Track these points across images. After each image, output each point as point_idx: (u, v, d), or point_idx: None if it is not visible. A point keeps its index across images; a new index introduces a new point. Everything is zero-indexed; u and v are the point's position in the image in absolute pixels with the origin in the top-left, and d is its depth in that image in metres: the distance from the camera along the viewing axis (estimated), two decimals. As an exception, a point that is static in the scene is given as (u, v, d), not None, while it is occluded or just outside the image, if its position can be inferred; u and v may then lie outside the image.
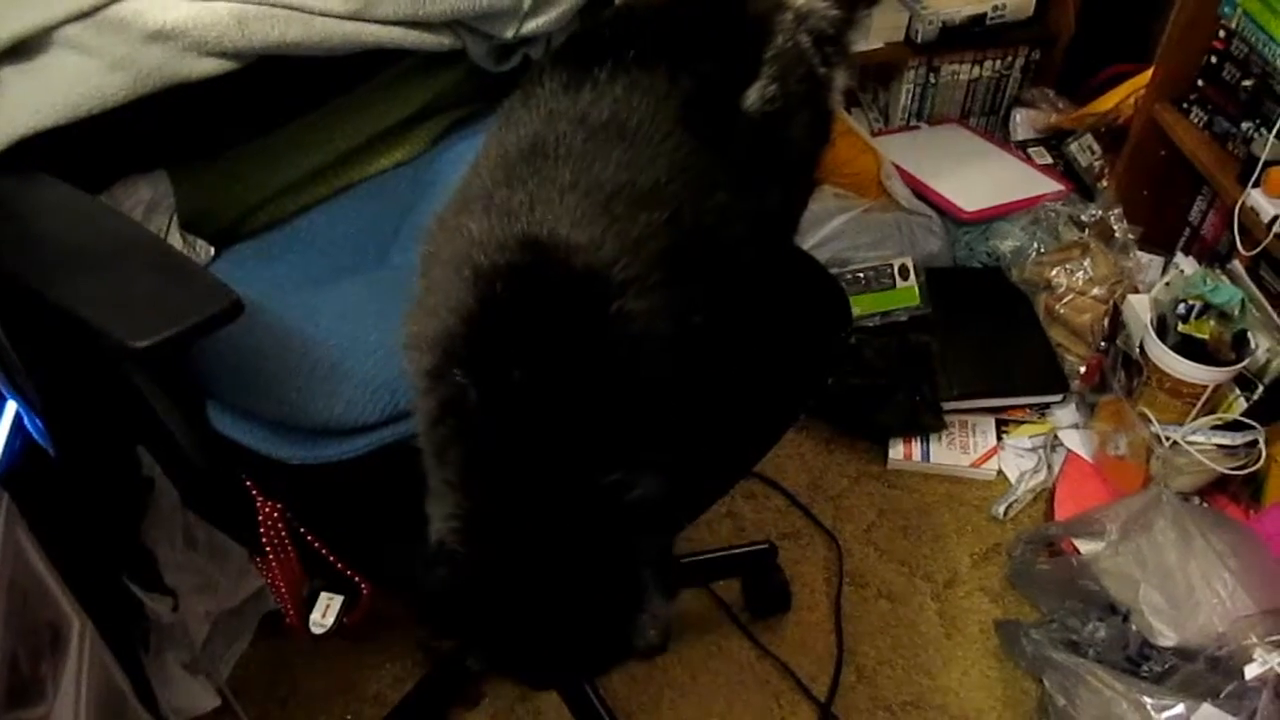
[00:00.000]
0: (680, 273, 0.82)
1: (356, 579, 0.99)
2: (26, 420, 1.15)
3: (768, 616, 1.62)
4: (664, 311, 0.79)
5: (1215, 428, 1.61)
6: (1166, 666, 1.39)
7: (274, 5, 0.99)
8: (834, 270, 1.47)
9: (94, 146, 0.97)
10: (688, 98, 0.90)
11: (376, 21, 1.06)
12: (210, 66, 0.99)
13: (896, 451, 1.85)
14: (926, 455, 1.84)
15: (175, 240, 1.07)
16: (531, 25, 1.18)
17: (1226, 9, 1.74)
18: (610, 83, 0.89)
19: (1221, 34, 1.77)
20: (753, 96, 0.95)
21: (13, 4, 0.92)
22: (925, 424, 1.85)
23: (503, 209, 0.80)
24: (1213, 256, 1.92)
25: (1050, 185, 2.20)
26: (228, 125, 1.10)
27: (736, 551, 1.66)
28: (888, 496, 1.81)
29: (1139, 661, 1.43)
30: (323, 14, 1.03)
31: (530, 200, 0.80)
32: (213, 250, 1.12)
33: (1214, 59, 1.80)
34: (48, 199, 0.89)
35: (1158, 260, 2.02)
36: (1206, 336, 1.60)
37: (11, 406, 1.19)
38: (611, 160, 0.84)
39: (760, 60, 0.96)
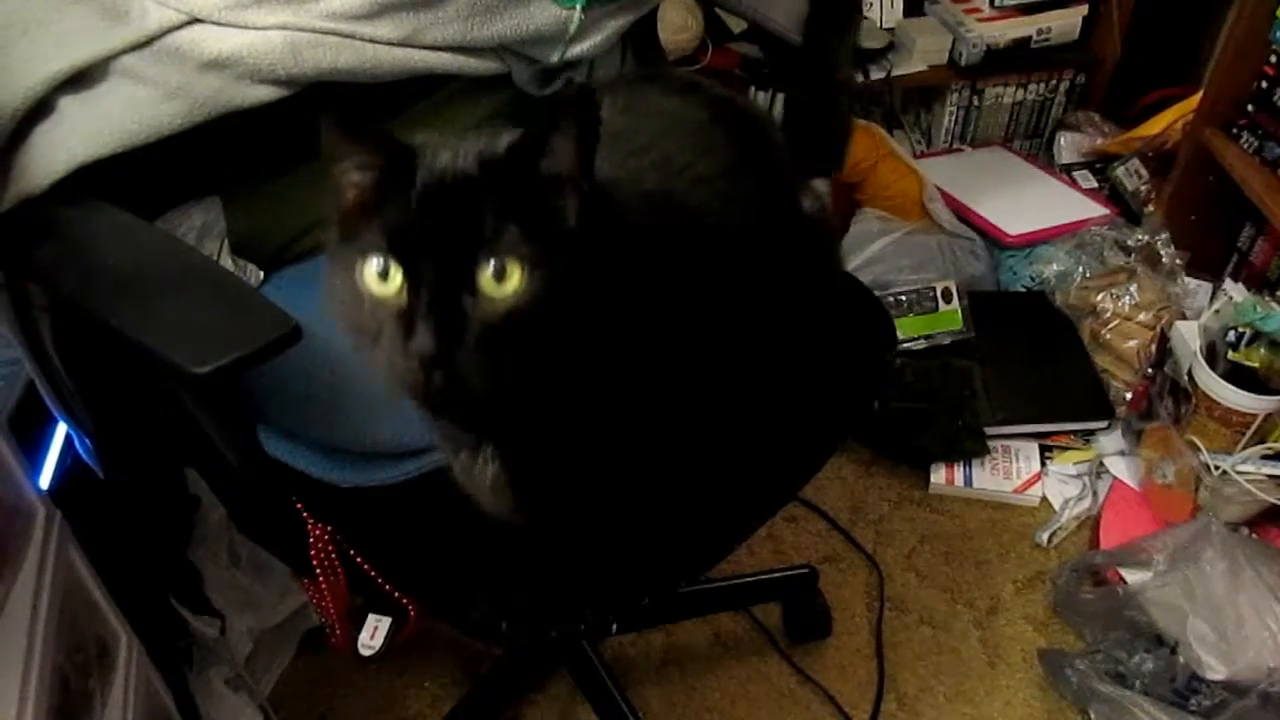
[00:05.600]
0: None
1: (404, 601, 0.99)
2: (77, 441, 1.17)
3: (808, 641, 1.61)
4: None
5: (1265, 457, 1.58)
6: (1216, 701, 1.37)
7: (326, 33, 1.00)
8: (876, 293, 1.47)
9: (150, 173, 0.98)
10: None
11: (425, 47, 1.07)
12: (264, 94, 1.00)
13: (938, 476, 1.83)
14: (969, 480, 1.82)
15: (226, 264, 1.08)
16: (576, 50, 1.18)
17: (1279, 33, 1.72)
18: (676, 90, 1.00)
19: (1273, 59, 1.75)
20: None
21: (72, 34, 0.94)
22: (967, 449, 1.84)
23: None
24: (1262, 283, 1.90)
25: (1095, 209, 2.18)
26: (278, 150, 1.11)
27: (777, 575, 1.65)
28: (929, 522, 1.79)
29: (1187, 695, 1.40)
30: (373, 40, 1.03)
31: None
32: (262, 274, 1.13)
33: (1265, 84, 1.78)
34: (106, 225, 0.90)
35: (1205, 286, 2.00)
36: (1257, 365, 1.58)
37: (62, 428, 1.21)
38: (685, 145, 0.92)
39: None
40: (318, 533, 0.95)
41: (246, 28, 0.97)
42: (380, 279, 0.67)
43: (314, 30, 0.99)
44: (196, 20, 0.96)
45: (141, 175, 0.97)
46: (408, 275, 0.67)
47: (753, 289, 0.94)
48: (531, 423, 0.79)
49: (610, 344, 0.75)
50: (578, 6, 1.12)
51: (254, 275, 1.12)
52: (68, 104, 0.94)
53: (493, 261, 0.66)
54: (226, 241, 1.09)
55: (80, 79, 0.94)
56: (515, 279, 0.67)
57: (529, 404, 0.75)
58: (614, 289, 0.73)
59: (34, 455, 1.18)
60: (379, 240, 0.67)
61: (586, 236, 0.71)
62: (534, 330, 0.69)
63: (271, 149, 1.09)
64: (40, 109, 0.92)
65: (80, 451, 1.18)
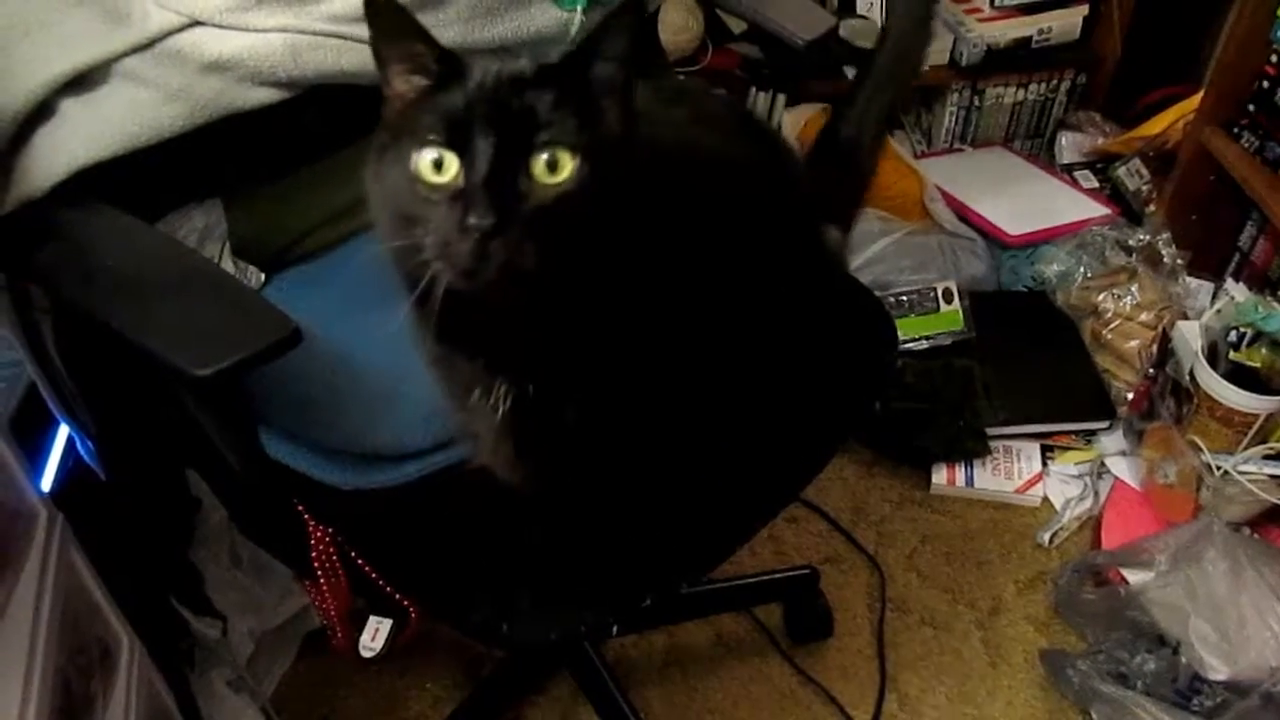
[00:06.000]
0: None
1: (405, 603, 0.99)
2: (78, 443, 1.17)
3: (809, 642, 1.61)
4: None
5: (1267, 457, 1.58)
6: (1218, 701, 1.37)
7: (327, 35, 1.00)
8: (877, 293, 1.47)
9: (151, 176, 0.99)
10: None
11: (428, 49, 1.08)
12: (264, 96, 1.00)
13: (939, 477, 1.83)
14: (970, 481, 1.82)
15: (227, 266, 1.08)
16: (577, 52, 1.19)
17: None
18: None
19: (1274, 58, 1.75)
20: None
21: (73, 37, 0.94)
22: (969, 449, 1.83)
23: None
24: (1264, 283, 1.90)
25: (1096, 209, 2.18)
26: (279, 153, 1.11)
27: (778, 576, 1.65)
28: (931, 522, 1.79)
29: (1189, 695, 1.40)
30: (373, 42, 1.04)
31: None
32: (263, 276, 1.13)
33: (1265, 84, 1.78)
34: (107, 228, 0.90)
35: (1206, 286, 2.00)
36: (1258, 365, 1.58)
37: (64, 430, 1.21)
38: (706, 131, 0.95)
39: None
40: (319, 535, 0.95)
41: (247, 30, 0.97)
42: (435, 168, 0.69)
43: (315, 33, 0.99)
44: (197, 23, 0.96)
45: (143, 177, 0.97)
46: (464, 161, 0.69)
47: (758, 287, 0.94)
48: (550, 351, 0.80)
49: (629, 278, 0.77)
50: (578, 8, 1.12)
51: (255, 277, 1.12)
52: (69, 106, 0.94)
53: (547, 151, 0.69)
54: (227, 244, 1.09)
55: (82, 81, 0.94)
56: (567, 169, 0.70)
57: (557, 315, 0.77)
58: (641, 213, 0.75)
59: (36, 457, 1.18)
60: (436, 130, 0.69)
61: (627, 144, 0.74)
62: (579, 219, 0.71)
63: (272, 151, 1.10)
64: (42, 111, 0.93)
65: (82, 453, 1.18)
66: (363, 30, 1.01)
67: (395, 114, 0.74)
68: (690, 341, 0.87)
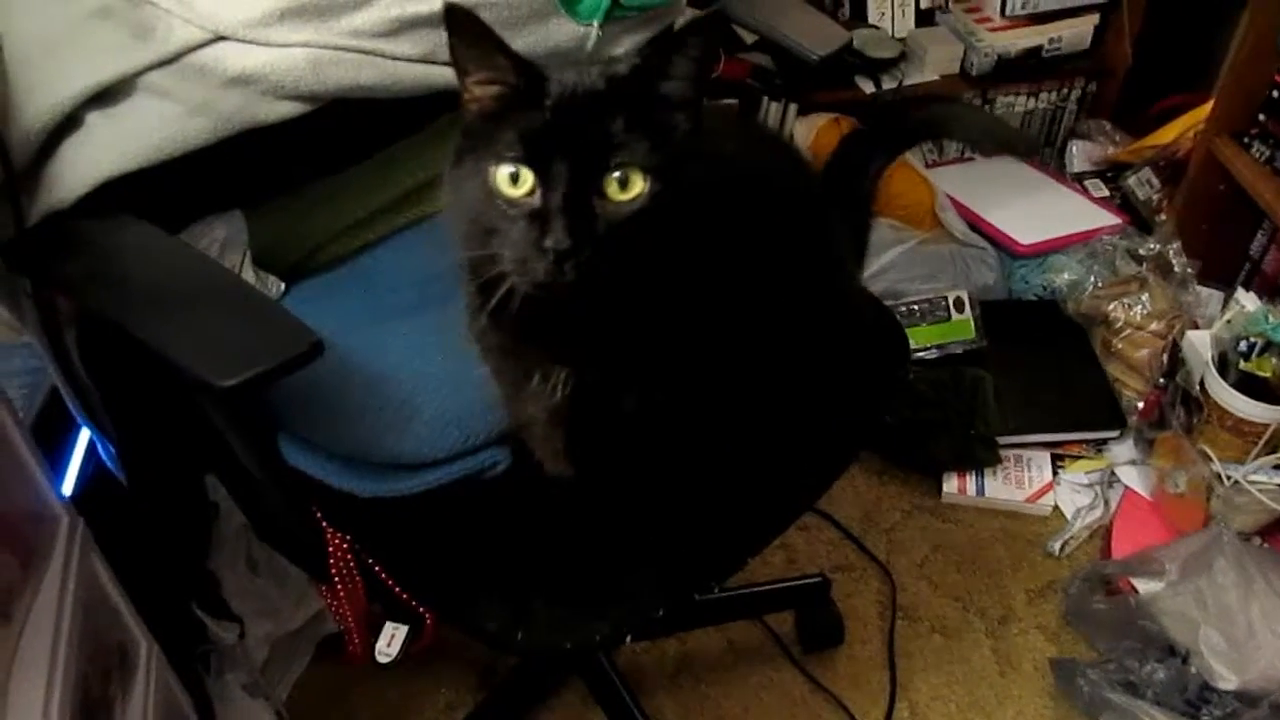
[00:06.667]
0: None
1: (420, 609, 1.00)
2: (100, 449, 1.19)
3: (820, 650, 1.62)
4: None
5: (1277, 467, 1.58)
6: (1228, 711, 1.38)
7: (348, 50, 1.02)
8: (888, 303, 1.48)
9: (174, 187, 1.00)
10: None
11: (446, 63, 1.08)
12: (286, 109, 1.02)
13: (950, 485, 1.84)
14: (981, 489, 1.83)
15: (248, 276, 1.10)
16: (594, 66, 1.20)
17: (1289, 43, 1.73)
18: None
19: (1284, 68, 1.76)
20: None
21: (98, 52, 0.95)
22: (979, 458, 1.84)
23: None
24: (1274, 292, 1.90)
25: (1107, 218, 2.18)
26: (299, 165, 1.13)
27: (789, 584, 1.65)
28: (941, 531, 1.80)
29: (1198, 705, 1.41)
30: (394, 57, 1.05)
31: None
32: (283, 286, 1.14)
33: (1275, 93, 1.79)
34: (132, 239, 0.92)
35: (1217, 295, 2.00)
36: (1268, 375, 1.58)
37: (84, 435, 1.22)
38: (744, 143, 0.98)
39: None
40: (336, 541, 0.96)
41: (270, 45, 0.99)
42: (511, 182, 0.72)
43: (336, 47, 1.01)
44: (221, 38, 0.98)
45: (166, 189, 0.99)
46: (540, 179, 0.72)
47: (784, 292, 0.95)
48: (613, 341, 0.83)
49: (686, 276, 0.79)
50: (595, 22, 1.13)
51: (275, 287, 1.13)
52: (95, 120, 0.95)
53: (620, 170, 0.72)
54: (248, 254, 1.11)
55: (107, 95, 0.96)
56: (637, 187, 0.73)
57: (626, 314, 0.80)
58: (698, 216, 0.77)
59: (57, 462, 1.20)
60: (514, 147, 0.72)
61: (692, 158, 0.76)
62: (649, 232, 0.74)
63: (293, 163, 1.11)
64: (68, 124, 0.94)
65: (103, 458, 1.19)
66: (384, 45, 1.04)
67: (474, 120, 0.76)
68: (725, 345, 0.89)
